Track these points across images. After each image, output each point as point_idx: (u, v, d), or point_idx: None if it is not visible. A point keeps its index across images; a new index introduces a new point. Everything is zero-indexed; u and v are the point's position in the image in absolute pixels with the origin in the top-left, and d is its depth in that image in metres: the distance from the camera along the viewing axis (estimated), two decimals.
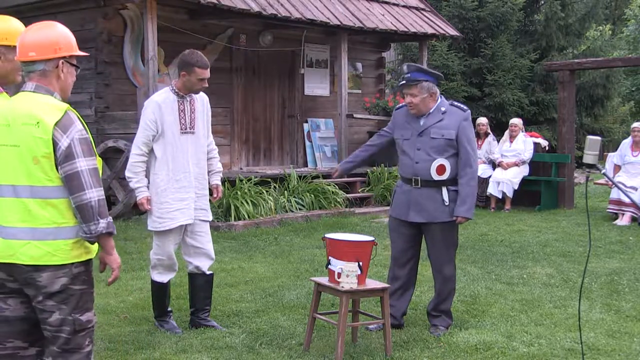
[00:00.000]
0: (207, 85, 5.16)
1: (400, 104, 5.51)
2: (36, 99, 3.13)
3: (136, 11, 10.40)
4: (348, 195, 11.80)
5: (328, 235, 4.79)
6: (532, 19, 18.23)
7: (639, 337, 5.13)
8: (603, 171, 3.94)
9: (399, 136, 5.33)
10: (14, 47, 3.77)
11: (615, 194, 10.63)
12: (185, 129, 5.10)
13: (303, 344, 4.84)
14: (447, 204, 5.15)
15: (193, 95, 5.17)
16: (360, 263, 4.63)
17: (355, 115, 13.22)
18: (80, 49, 3.36)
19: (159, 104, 5.04)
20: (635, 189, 10.43)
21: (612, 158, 11.43)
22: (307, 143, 13.40)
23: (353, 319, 4.99)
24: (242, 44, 12.18)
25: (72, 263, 3.11)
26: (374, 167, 12.73)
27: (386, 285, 4.86)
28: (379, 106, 13.97)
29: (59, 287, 3.08)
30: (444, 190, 5.16)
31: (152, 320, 5.43)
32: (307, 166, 13.16)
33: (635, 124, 11.19)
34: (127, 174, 5.09)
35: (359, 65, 14.68)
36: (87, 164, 3.05)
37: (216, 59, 11.83)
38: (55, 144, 3.03)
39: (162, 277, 5.22)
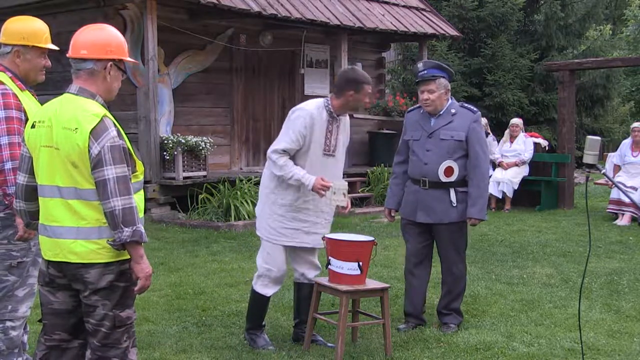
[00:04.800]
0: (368, 101, 4.87)
1: (412, 107, 5.55)
2: (78, 103, 3.17)
3: (136, 11, 10.39)
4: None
5: (328, 235, 4.79)
6: (532, 19, 18.23)
7: (639, 337, 5.13)
8: (603, 171, 3.94)
9: (409, 137, 5.35)
10: (32, 47, 3.91)
11: (615, 194, 10.63)
12: (329, 151, 4.79)
13: (303, 344, 4.84)
14: (454, 205, 5.17)
15: (342, 116, 4.86)
16: (360, 263, 4.64)
17: (355, 115, 13.18)
18: None
19: (313, 119, 4.68)
20: (635, 189, 10.43)
21: (612, 158, 11.43)
22: None
23: (353, 319, 4.99)
24: (242, 44, 12.17)
25: (119, 261, 3.16)
26: (374, 167, 12.73)
27: (386, 285, 4.86)
28: (379, 106, 13.97)
29: (105, 284, 3.15)
30: (452, 191, 5.18)
31: (152, 320, 5.44)
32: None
33: (635, 124, 11.19)
34: (279, 172, 4.69)
35: (359, 65, 14.65)
36: (115, 172, 3.06)
37: (216, 59, 11.83)
38: (88, 151, 3.08)
39: (266, 290, 4.85)
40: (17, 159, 3.71)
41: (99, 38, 3.23)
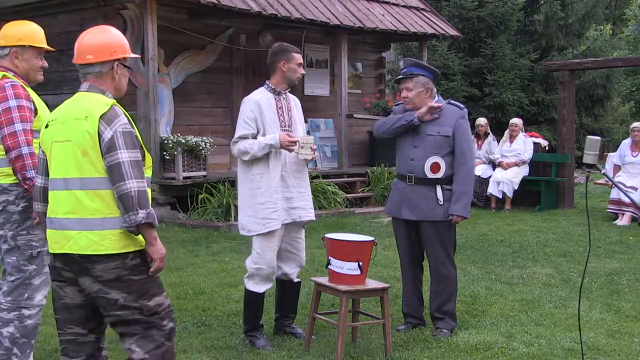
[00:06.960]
0: (304, 72, 5.02)
1: (398, 102, 5.50)
2: (88, 97, 3.29)
3: (136, 11, 10.39)
4: (348, 195, 11.80)
5: (328, 235, 4.79)
6: (532, 19, 18.24)
7: (639, 337, 5.13)
8: (603, 171, 3.94)
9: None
10: (29, 47, 4.08)
11: (615, 194, 10.62)
12: (285, 126, 4.92)
13: (303, 344, 4.85)
14: (441, 202, 5.11)
15: (288, 94, 5.02)
16: (360, 263, 4.64)
17: (355, 115, 13.22)
18: None
19: (258, 102, 4.86)
20: (635, 189, 10.43)
21: (612, 158, 11.43)
22: None
23: (353, 319, 4.99)
24: (242, 44, 12.18)
25: (123, 254, 3.20)
26: (374, 167, 12.73)
27: (386, 285, 4.86)
28: (379, 106, 13.97)
29: (114, 276, 3.19)
30: (439, 188, 5.12)
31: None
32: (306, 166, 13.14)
33: (635, 124, 11.19)
34: (248, 155, 4.78)
35: (359, 65, 14.68)
36: (128, 155, 3.14)
37: (216, 59, 11.84)
38: (99, 136, 3.15)
39: (258, 287, 4.93)
40: (32, 144, 3.88)
41: (102, 41, 3.33)
